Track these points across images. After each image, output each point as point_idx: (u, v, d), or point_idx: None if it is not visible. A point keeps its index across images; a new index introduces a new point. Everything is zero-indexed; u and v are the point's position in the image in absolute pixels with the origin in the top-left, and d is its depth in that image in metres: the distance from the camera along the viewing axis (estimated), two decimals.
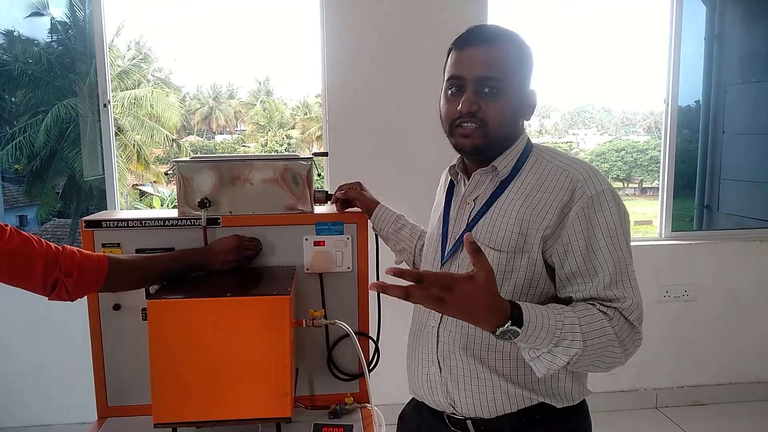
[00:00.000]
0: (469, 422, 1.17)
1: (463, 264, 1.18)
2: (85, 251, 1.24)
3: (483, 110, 1.10)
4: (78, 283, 1.18)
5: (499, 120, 1.11)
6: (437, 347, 1.19)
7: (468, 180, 1.23)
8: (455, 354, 1.16)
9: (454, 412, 1.19)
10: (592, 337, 0.99)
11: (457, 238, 1.21)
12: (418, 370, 1.24)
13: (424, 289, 0.87)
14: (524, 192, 1.12)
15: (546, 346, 0.98)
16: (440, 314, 1.18)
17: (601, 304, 1.04)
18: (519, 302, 0.97)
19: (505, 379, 1.13)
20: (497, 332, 0.94)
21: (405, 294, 0.86)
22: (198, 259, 1.39)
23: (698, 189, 4.16)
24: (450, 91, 1.15)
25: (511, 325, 0.93)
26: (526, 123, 1.22)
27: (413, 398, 1.34)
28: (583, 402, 1.20)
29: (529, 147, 1.19)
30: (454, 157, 1.26)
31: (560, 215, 1.07)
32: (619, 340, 1.02)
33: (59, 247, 1.19)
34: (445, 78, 1.17)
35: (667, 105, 3.22)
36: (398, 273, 0.87)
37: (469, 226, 1.18)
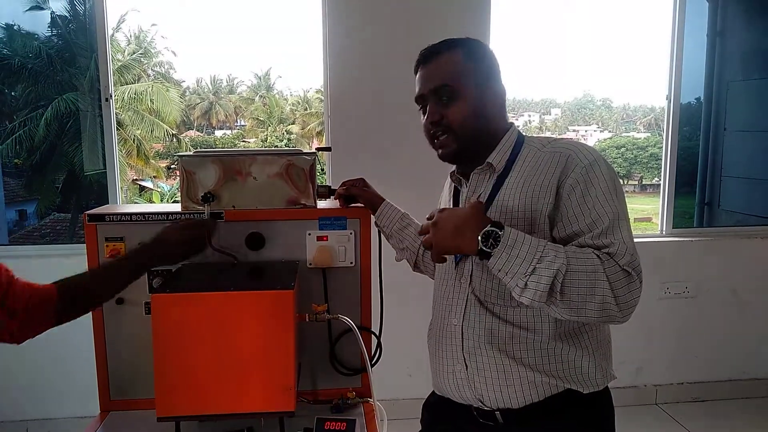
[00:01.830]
0: (497, 413, 1.20)
1: (478, 262, 1.20)
2: (33, 285, 1.11)
3: (446, 117, 1.19)
4: (24, 326, 1.09)
5: (462, 119, 1.18)
6: (462, 345, 1.21)
7: (468, 182, 1.26)
8: (481, 349, 1.18)
9: (482, 405, 1.21)
10: (577, 262, 0.98)
11: None
12: (443, 368, 1.26)
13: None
14: (522, 180, 1.15)
15: (529, 263, 0.98)
16: (462, 312, 1.21)
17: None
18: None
19: (531, 369, 1.15)
20: (480, 235, 1.00)
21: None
22: (152, 262, 1.28)
23: (699, 186, 4.16)
24: (420, 112, 1.25)
25: (491, 227, 1.00)
26: (521, 120, 1.24)
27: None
28: (607, 389, 1.22)
29: (520, 140, 1.22)
30: None
31: (557, 189, 1.10)
32: (610, 282, 0.98)
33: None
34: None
35: (669, 101, 3.21)
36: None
37: None
